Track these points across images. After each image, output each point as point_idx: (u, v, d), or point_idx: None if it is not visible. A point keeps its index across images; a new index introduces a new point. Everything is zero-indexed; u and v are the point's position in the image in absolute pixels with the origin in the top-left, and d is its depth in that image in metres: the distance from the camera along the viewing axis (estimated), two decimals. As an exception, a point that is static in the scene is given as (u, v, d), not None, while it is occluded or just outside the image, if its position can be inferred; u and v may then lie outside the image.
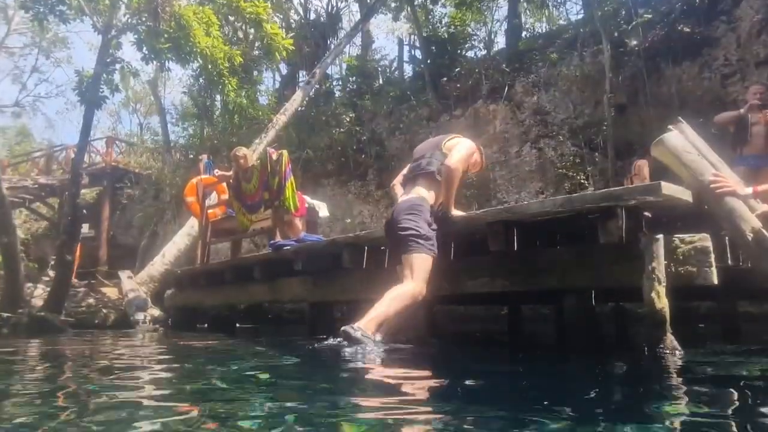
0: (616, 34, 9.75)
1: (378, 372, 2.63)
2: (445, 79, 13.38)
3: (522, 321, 5.28)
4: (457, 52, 14.20)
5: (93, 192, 18.91)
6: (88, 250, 14.96)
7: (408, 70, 17.10)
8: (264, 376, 2.66)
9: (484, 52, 14.24)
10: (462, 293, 3.90)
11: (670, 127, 3.27)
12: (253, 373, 2.80)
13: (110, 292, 9.98)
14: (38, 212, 18.92)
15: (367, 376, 2.45)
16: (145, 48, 7.22)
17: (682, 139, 3.12)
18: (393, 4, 15.71)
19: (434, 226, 3.32)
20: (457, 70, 13.27)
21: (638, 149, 8.04)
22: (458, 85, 12.87)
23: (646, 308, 2.72)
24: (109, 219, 18.08)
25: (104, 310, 8.65)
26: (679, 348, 2.70)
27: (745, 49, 8.04)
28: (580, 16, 12.42)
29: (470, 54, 14.45)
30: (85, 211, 14.16)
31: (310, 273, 5.10)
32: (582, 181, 9.49)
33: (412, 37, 16.70)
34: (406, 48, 17.36)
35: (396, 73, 16.95)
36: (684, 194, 2.90)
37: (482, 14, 14.52)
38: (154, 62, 8.19)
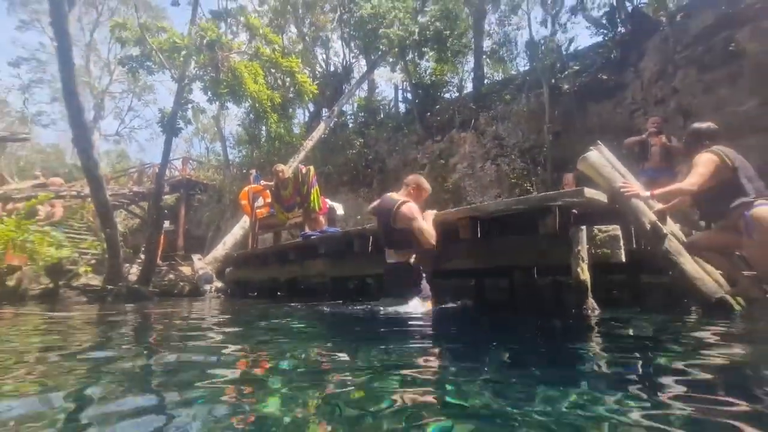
0: (553, 81, 9.70)
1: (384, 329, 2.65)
2: (429, 114, 13.37)
3: (484, 290, 5.28)
4: (438, 94, 14.16)
5: (173, 198, 18.85)
6: (169, 240, 14.97)
7: (402, 107, 16.99)
8: (295, 324, 2.70)
9: (457, 94, 14.12)
10: (443, 270, 3.90)
11: (591, 148, 3.28)
12: (285, 321, 2.93)
13: (185, 270, 9.97)
14: (133, 212, 18.87)
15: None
16: (209, 92, 7.22)
17: (599, 157, 3.14)
18: (391, 60, 15.66)
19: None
20: (437, 107, 13.26)
21: (569, 164, 8.04)
22: (438, 118, 12.86)
23: (573, 280, 2.74)
24: (185, 217, 18.07)
25: (181, 283, 8.65)
26: (598, 308, 2.72)
27: (647, 92, 8.01)
28: (527, 67, 12.36)
29: (447, 95, 14.38)
30: (166, 211, 14.16)
31: (330, 255, 5.11)
32: (528, 188, 9.47)
33: (405, 83, 16.60)
34: (400, 91, 17.27)
35: (393, 109, 16.85)
36: (601, 196, 2.91)
37: (455, 66, 14.44)
38: (216, 103, 8.19)
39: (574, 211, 2.93)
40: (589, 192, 2.79)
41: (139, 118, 39.66)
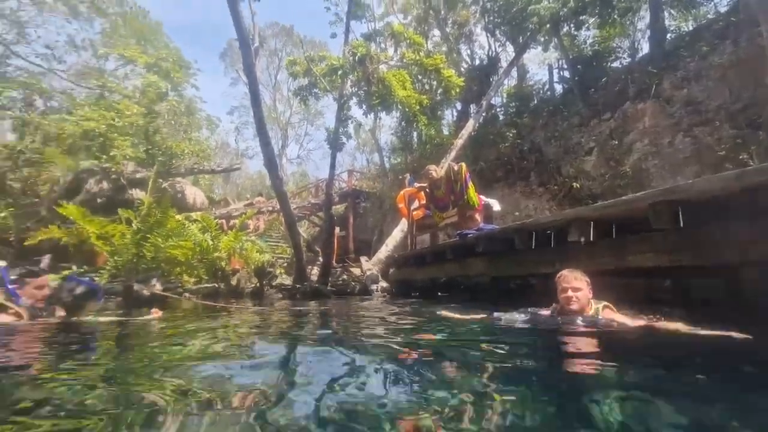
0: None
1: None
2: (592, 90, 11.63)
3: (689, 291, 4.17)
4: (603, 65, 12.23)
5: (342, 207, 21.14)
6: (341, 244, 16.77)
7: (558, 88, 15.34)
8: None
9: (628, 59, 11.94)
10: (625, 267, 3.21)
11: None
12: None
13: (356, 271, 10.95)
14: (313, 222, 21.84)
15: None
16: (363, 105, 7.82)
17: None
18: (542, 39, 14.25)
19: None
20: (603, 80, 11.42)
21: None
22: (604, 93, 11.06)
23: None
24: (353, 223, 19.99)
25: (352, 283, 9.50)
26: None
27: None
28: (731, 4, 9.54)
29: (614, 64, 12.28)
30: (336, 218, 15.91)
31: (489, 253, 4.81)
32: (746, 160, 7.25)
33: (560, 61, 14.90)
34: (555, 71, 15.58)
35: (548, 92, 15.32)
36: None
37: (624, 28, 12.19)
38: (370, 115, 8.78)
39: None
40: None
41: (313, 141, 46.02)
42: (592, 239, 3.35)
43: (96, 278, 5.57)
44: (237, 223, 10.14)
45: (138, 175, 14.85)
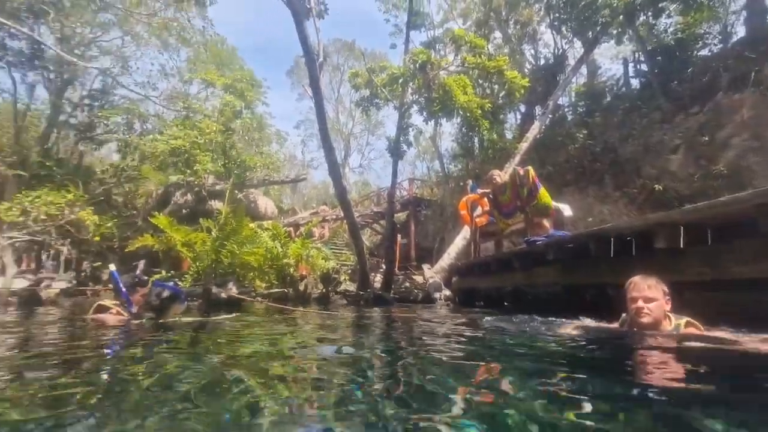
0: None
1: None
2: (674, 82, 10.56)
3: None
4: (688, 54, 11.05)
5: (403, 214, 21.23)
6: (403, 251, 16.85)
7: (634, 83, 14.15)
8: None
9: (719, 46, 10.67)
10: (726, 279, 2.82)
11: None
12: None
13: (418, 278, 10.90)
14: (375, 230, 22.18)
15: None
16: (424, 113, 7.82)
17: None
18: (614, 32, 13.25)
19: None
20: (688, 70, 10.32)
21: None
22: (690, 85, 9.98)
23: None
24: (415, 231, 19.97)
25: (415, 291, 9.46)
26: None
27: None
28: None
29: (702, 52, 11.04)
30: (399, 226, 15.99)
31: (561, 262, 4.52)
32: None
33: (636, 53, 13.76)
34: (630, 65, 14.39)
35: (622, 88, 14.18)
36: None
37: (713, 10, 10.92)
38: (431, 122, 8.75)
39: None
40: None
41: (375, 151, 47.11)
42: (682, 246, 3.00)
43: (180, 282, 6.11)
44: (303, 230, 10.60)
45: (217, 187, 16.21)
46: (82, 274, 12.15)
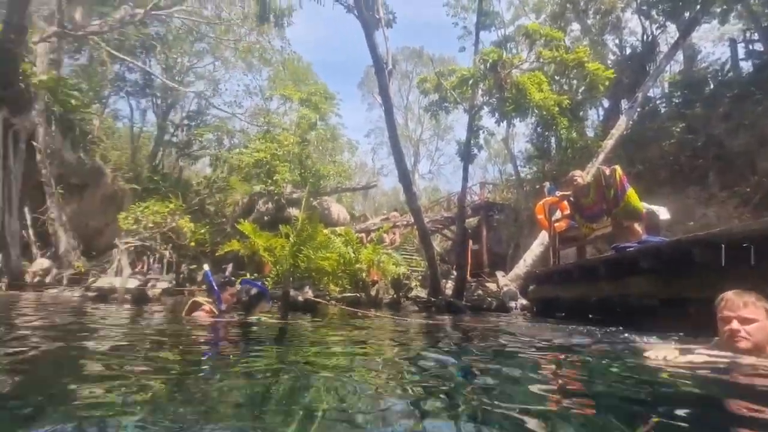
0: None
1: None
2: (801, 61, 8.96)
3: None
4: (817, 28, 9.33)
5: (475, 220, 20.62)
6: (475, 258, 16.36)
7: (745, 66, 12.29)
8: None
9: None
10: None
11: None
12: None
13: (491, 286, 10.48)
14: (445, 235, 21.84)
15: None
16: (496, 113, 7.53)
17: None
18: (718, 10, 11.63)
19: None
20: (820, 46, 8.70)
21: None
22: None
23: None
24: (487, 237, 19.30)
25: (488, 299, 9.10)
26: None
27: None
28: None
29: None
30: (470, 231, 15.58)
31: (657, 271, 4.01)
32: None
33: (747, 33, 11.97)
34: (740, 46, 12.54)
35: (729, 74, 12.40)
36: None
37: None
38: (502, 123, 8.40)
39: None
40: None
41: (444, 156, 46.73)
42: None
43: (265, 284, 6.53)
44: (374, 236, 10.76)
45: (294, 196, 17.21)
46: (181, 275, 13.60)
